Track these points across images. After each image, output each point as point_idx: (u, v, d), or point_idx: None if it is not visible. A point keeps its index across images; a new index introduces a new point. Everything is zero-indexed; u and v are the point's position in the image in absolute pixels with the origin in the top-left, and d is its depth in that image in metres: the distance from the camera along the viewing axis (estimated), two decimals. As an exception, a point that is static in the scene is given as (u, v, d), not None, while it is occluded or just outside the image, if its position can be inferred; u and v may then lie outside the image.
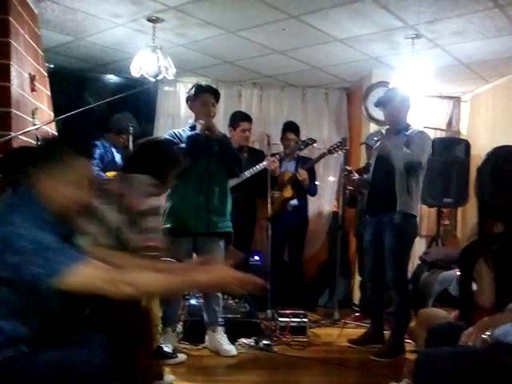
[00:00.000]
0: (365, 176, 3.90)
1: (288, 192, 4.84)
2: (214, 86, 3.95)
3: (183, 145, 3.34)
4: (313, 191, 5.01)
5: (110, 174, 4.18)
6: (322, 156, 4.85)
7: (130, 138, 4.36)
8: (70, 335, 1.79)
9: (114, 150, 4.51)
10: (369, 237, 3.74)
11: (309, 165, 4.88)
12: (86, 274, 1.55)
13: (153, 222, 2.41)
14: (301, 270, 5.16)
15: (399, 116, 3.61)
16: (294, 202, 4.92)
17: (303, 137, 5.03)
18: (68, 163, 1.69)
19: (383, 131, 3.84)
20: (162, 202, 2.79)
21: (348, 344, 3.81)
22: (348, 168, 4.01)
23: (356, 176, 3.87)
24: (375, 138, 4.09)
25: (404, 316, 3.57)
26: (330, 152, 4.67)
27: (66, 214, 1.72)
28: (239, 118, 4.64)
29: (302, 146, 4.84)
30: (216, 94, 3.58)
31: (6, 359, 1.56)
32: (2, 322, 1.58)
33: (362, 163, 4.97)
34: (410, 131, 3.57)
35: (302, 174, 4.73)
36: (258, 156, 4.78)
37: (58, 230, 1.64)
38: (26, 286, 1.56)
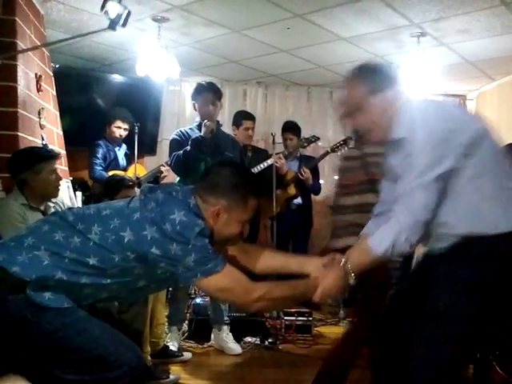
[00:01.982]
0: None
1: (291, 191, 4.84)
2: (219, 86, 3.96)
3: (188, 147, 3.35)
4: (316, 190, 5.01)
5: (112, 173, 4.18)
6: (325, 155, 4.84)
7: (136, 137, 4.35)
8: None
9: (116, 148, 4.50)
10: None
11: (312, 163, 4.88)
12: (228, 281, 1.64)
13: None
14: None
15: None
16: (298, 200, 4.92)
17: (307, 135, 5.04)
18: (248, 205, 1.76)
19: None
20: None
21: None
22: None
23: None
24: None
25: None
26: (333, 150, 4.65)
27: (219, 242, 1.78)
28: (242, 117, 4.64)
29: (305, 144, 4.84)
30: (217, 93, 3.59)
31: (64, 307, 1.61)
32: (109, 280, 1.65)
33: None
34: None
35: (306, 173, 4.74)
36: (262, 155, 4.78)
37: None
38: (164, 274, 1.66)
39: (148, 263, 1.62)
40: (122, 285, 1.69)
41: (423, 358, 1.60)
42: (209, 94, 3.53)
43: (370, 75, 1.75)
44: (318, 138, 4.92)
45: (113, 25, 2.78)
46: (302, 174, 4.71)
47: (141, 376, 1.64)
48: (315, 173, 4.91)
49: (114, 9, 2.69)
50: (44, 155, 2.69)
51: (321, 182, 5.07)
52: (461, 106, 1.51)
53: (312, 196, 5.08)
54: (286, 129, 5.00)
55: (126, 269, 1.64)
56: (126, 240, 1.60)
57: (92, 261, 1.61)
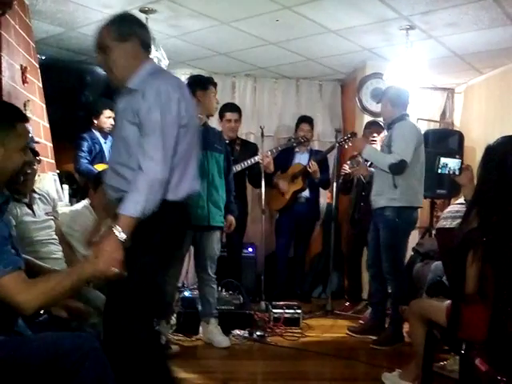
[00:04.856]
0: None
1: (299, 184, 4.87)
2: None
3: None
4: (325, 184, 5.04)
5: (99, 166, 4.14)
6: (333, 148, 4.85)
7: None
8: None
9: (102, 141, 4.46)
10: (372, 227, 3.78)
11: (319, 157, 4.92)
12: (8, 285, 1.56)
13: None
14: (303, 262, 5.21)
15: (391, 111, 3.66)
16: (306, 194, 4.95)
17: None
18: (19, 130, 1.70)
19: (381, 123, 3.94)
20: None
21: (347, 332, 3.84)
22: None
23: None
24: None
25: (400, 305, 3.60)
26: (340, 144, 4.65)
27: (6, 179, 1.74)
28: (224, 109, 4.64)
29: (295, 144, 4.88)
30: (216, 86, 3.60)
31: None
32: None
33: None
34: (395, 125, 3.61)
35: (313, 166, 4.76)
36: (250, 149, 4.77)
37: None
38: None
39: None
40: None
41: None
42: (213, 87, 3.50)
43: (120, 24, 2.03)
44: (308, 139, 4.95)
45: None
46: (311, 167, 4.75)
47: (99, 357, 1.60)
48: (324, 166, 4.95)
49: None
50: None
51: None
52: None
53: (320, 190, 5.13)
54: (302, 120, 5.05)
55: None
56: None
57: None
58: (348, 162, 4.65)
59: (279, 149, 4.86)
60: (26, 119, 1.76)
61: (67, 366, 1.54)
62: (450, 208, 3.09)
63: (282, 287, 4.84)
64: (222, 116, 4.60)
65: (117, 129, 2.05)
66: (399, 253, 3.62)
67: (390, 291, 3.70)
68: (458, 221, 2.83)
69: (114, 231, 1.78)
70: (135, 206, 1.80)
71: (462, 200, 2.97)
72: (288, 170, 4.90)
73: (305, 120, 5.07)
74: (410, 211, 3.59)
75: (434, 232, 4.76)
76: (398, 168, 3.46)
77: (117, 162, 1.98)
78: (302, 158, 4.98)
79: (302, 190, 4.91)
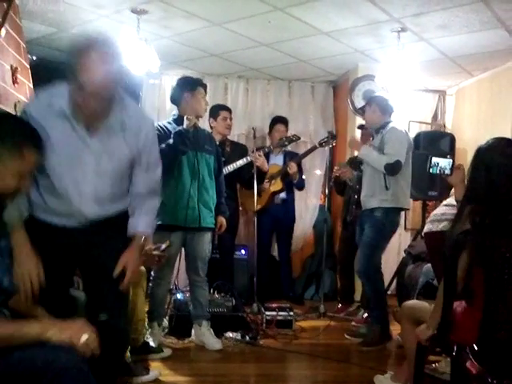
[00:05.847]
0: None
1: (277, 185, 4.86)
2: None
3: (171, 141, 3.29)
4: (301, 185, 5.03)
5: None
6: (312, 149, 4.85)
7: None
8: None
9: None
10: (358, 230, 3.79)
11: (299, 158, 4.91)
12: None
13: None
14: (289, 264, 5.19)
15: (380, 116, 3.72)
16: (283, 195, 4.94)
17: (290, 130, 5.07)
18: (25, 156, 1.63)
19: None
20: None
21: (346, 336, 3.85)
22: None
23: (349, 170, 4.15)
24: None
25: (379, 304, 3.61)
26: (320, 145, 4.67)
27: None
28: (219, 108, 4.65)
29: (287, 143, 4.87)
30: (206, 88, 3.58)
31: None
32: None
33: (349, 156, 4.98)
34: (385, 129, 3.64)
35: (292, 167, 4.75)
36: (240, 150, 4.77)
37: None
38: None
39: None
40: None
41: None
42: (201, 88, 3.49)
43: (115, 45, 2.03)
44: (299, 138, 4.95)
45: None
46: (290, 168, 4.74)
47: (79, 370, 1.48)
48: (299, 168, 4.93)
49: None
50: None
51: (303, 177, 5.08)
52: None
53: (295, 191, 5.11)
54: (276, 121, 5.03)
55: None
56: None
57: None
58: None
59: (271, 147, 4.86)
60: (37, 146, 1.67)
61: (48, 379, 1.43)
62: (435, 211, 3.08)
63: (264, 288, 4.78)
64: (216, 115, 4.59)
65: (106, 164, 2.01)
66: (379, 253, 3.67)
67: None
68: (444, 223, 2.84)
69: (138, 243, 2.13)
70: (151, 225, 2.24)
71: (449, 201, 2.97)
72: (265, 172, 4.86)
73: (280, 120, 5.07)
74: (396, 213, 3.66)
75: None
76: (393, 168, 3.50)
77: (119, 189, 2.12)
78: (276, 160, 4.97)
79: (281, 191, 4.90)
